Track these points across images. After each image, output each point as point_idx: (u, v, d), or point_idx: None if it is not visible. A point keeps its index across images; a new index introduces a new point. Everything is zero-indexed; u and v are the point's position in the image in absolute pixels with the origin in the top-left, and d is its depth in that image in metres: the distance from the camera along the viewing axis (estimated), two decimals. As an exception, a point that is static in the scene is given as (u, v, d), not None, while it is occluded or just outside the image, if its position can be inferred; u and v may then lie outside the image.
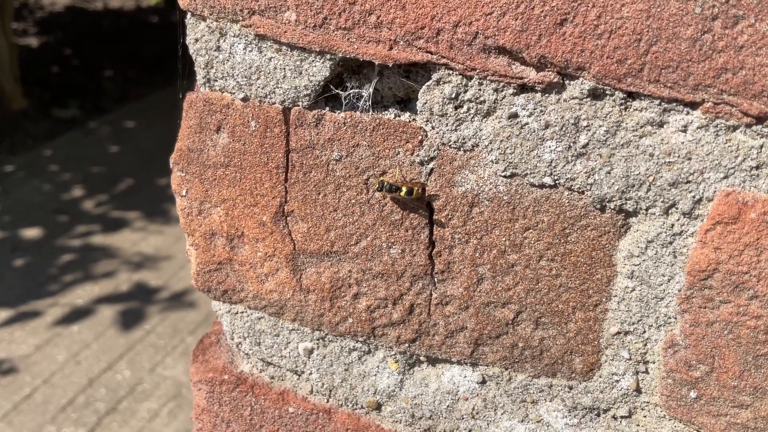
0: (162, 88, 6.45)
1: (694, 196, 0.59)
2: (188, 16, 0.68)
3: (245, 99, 0.69)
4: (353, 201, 0.69)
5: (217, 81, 0.69)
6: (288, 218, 0.72)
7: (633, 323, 0.66)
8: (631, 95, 0.58)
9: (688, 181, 0.59)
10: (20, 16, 7.76)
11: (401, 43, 0.61)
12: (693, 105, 0.56)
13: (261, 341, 0.81)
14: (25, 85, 5.93)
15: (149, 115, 5.97)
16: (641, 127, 0.59)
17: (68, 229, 4.38)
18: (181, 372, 3.29)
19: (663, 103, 0.57)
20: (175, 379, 3.25)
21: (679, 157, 0.58)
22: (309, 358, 0.80)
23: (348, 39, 0.63)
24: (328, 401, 0.81)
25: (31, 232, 4.31)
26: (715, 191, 0.58)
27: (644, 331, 0.66)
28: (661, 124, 0.58)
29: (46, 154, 5.31)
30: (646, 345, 0.66)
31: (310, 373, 0.81)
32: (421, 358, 0.76)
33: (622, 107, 0.59)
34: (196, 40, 0.68)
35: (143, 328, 3.56)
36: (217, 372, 0.83)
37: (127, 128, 5.86)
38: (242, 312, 0.80)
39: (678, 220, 0.61)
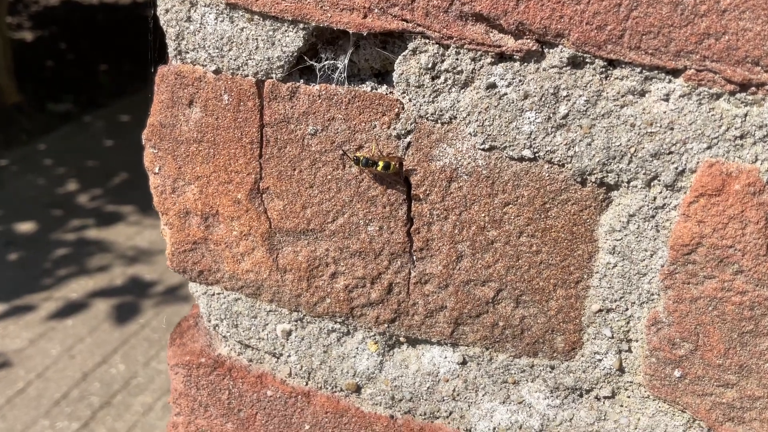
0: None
1: (676, 168, 0.57)
2: (159, -14, 0.66)
3: (217, 71, 0.67)
4: (329, 177, 0.67)
5: (188, 53, 0.67)
6: (263, 195, 0.70)
7: (615, 300, 0.64)
8: (612, 63, 0.56)
9: (671, 152, 0.57)
10: (15, 10, 7.73)
11: (375, 10, 0.60)
12: (675, 72, 0.55)
13: (238, 323, 0.79)
14: (20, 80, 5.90)
15: (144, 109, 5.91)
16: (622, 96, 0.57)
17: (63, 223, 4.36)
18: (175, 366, 3.26)
19: (644, 71, 0.55)
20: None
21: (661, 127, 0.56)
22: (287, 340, 0.78)
23: (321, 7, 0.61)
24: (307, 384, 0.79)
25: (26, 226, 4.29)
26: (698, 162, 0.56)
27: (627, 309, 0.64)
28: (642, 93, 0.56)
29: (41, 149, 5.29)
30: (628, 323, 0.65)
31: (289, 356, 0.79)
32: (401, 339, 0.74)
33: (603, 76, 0.57)
34: (167, 11, 0.66)
35: (138, 322, 3.54)
36: (195, 355, 0.81)
37: (121, 122, 5.83)
38: (219, 293, 0.78)
39: (660, 192, 0.59)
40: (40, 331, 3.46)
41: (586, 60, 0.56)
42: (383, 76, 0.66)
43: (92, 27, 7.63)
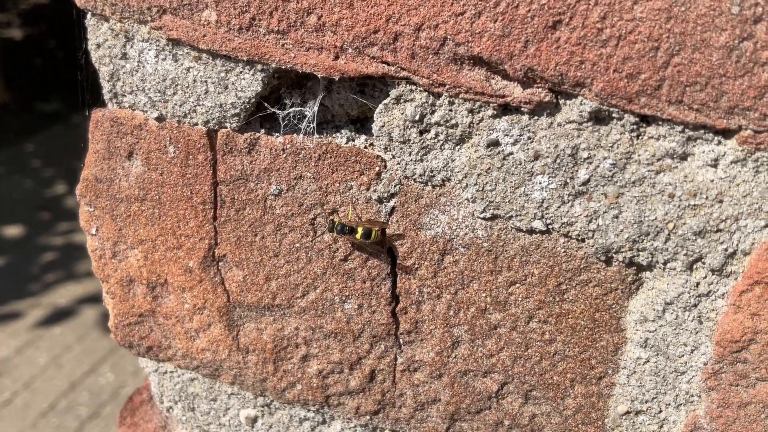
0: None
1: (726, 249, 0.46)
2: (88, 16, 0.54)
3: (160, 119, 0.55)
4: (297, 245, 0.56)
5: (125, 96, 0.56)
6: (220, 264, 0.59)
7: (646, 401, 0.52)
8: (646, 119, 0.45)
9: (719, 230, 0.45)
10: (3, 8, 7.59)
11: (349, 50, 0.48)
12: (726, 133, 0.43)
13: (195, 406, 0.67)
14: (8, 79, 5.79)
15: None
16: (658, 159, 0.45)
17: (50, 227, 4.26)
18: (164, 377, 3.17)
19: (687, 130, 0.44)
20: (159, 384, 3.13)
21: (707, 198, 0.45)
22: (252, 427, 0.66)
23: (283, 45, 0.49)
24: (276, 477, 0.68)
25: (12, 230, 4.20)
26: (753, 243, 0.45)
27: (660, 411, 0.53)
28: (684, 157, 0.45)
29: (28, 149, 5.18)
30: (661, 427, 0.53)
31: (256, 444, 0.67)
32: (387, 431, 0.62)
33: (634, 134, 0.45)
34: (98, 46, 0.55)
35: (126, 331, 3.44)
36: (147, 439, 0.70)
37: (112, 121, 5.72)
38: (172, 372, 0.67)
39: (705, 277, 0.47)
40: (26, 339, 3.37)
41: (613, 115, 0.45)
42: (362, 122, 0.54)
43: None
